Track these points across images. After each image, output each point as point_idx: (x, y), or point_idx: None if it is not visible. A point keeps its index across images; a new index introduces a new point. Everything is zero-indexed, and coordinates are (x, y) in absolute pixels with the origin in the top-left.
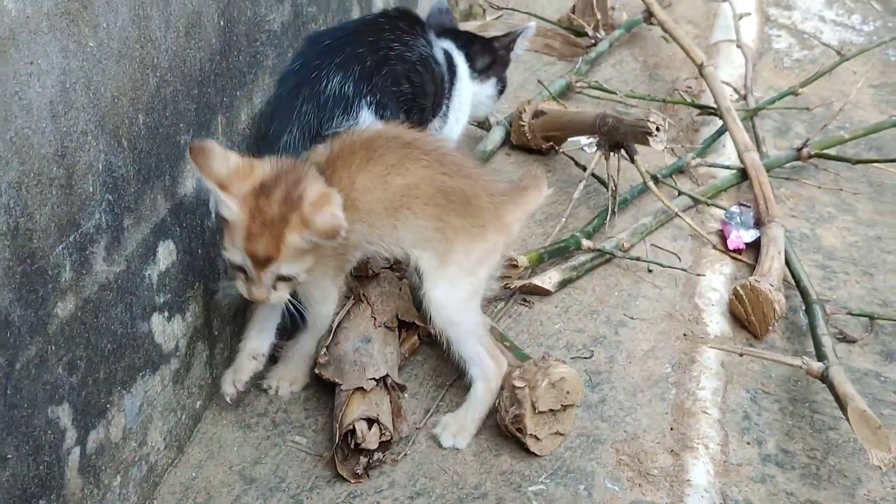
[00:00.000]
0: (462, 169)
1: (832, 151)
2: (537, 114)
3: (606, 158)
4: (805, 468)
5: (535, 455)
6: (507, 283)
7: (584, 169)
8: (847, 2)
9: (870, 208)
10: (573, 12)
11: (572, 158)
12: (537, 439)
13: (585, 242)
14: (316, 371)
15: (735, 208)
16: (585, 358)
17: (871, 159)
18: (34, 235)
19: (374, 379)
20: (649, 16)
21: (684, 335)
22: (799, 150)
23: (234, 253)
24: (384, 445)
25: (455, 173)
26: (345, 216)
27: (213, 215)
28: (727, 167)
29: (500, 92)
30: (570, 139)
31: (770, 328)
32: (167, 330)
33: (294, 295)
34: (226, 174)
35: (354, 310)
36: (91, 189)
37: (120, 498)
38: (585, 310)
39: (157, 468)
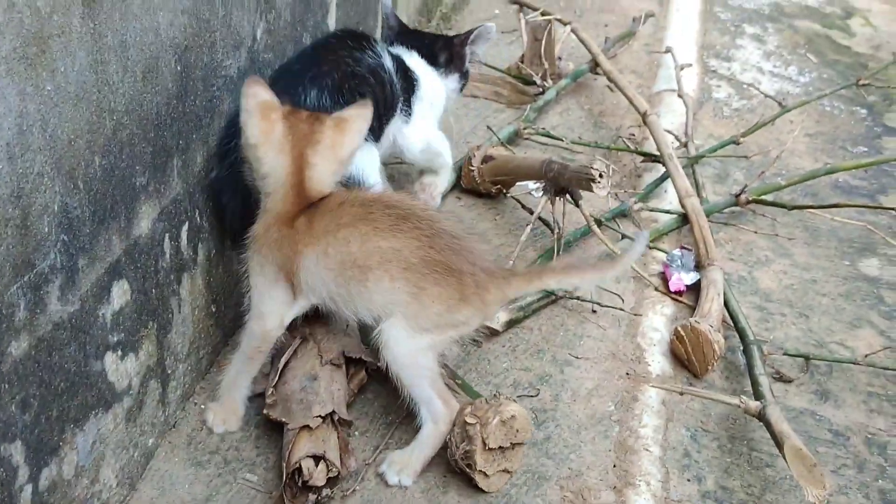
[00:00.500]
0: (452, 243)
1: (769, 197)
2: (486, 159)
3: (552, 203)
4: None
5: (483, 492)
6: None
7: (531, 212)
8: (784, 54)
9: (805, 252)
10: (522, 61)
11: (520, 202)
12: (486, 476)
13: None
14: (264, 412)
15: (676, 251)
16: (531, 396)
17: (806, 205)
18: None
19: (320, 416)
20: (595, 66)
21: (627, 374)
22: (737, 195)
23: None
24: (332, 482)
25: (443, 248)
26: (313, 260)
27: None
28: (668, 212)
29: (463, 86)
30: (517, 183)
31: (710, 368)
32: (120, 368)
33: None
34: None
35: (301, 349)
36: (46, 230)
37: None
38: (532, 349)
39: None
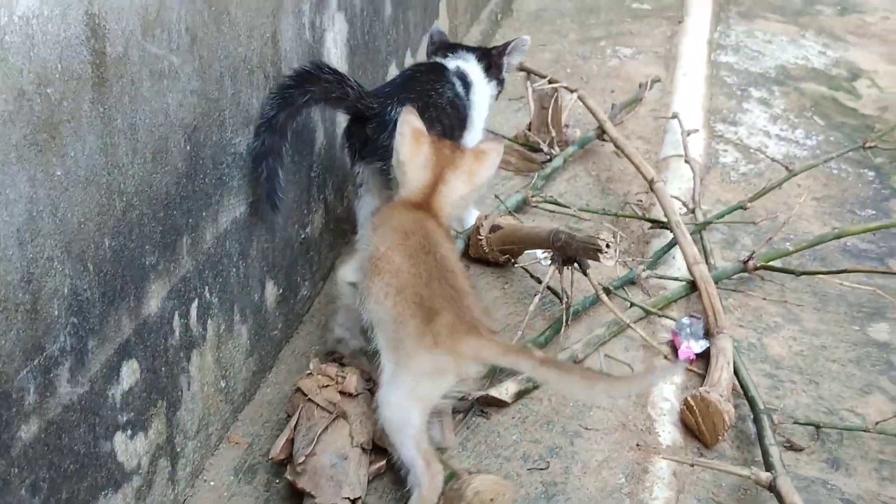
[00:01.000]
0: (449, 292)
1: (777, 263)
2: (494, 228)
3: (560, 272)
4: None
5: None
6: (464, 395)
7: (540, 282)
8: (791, 117)
9: (815, 318)
10: (529, 129)
11: (528, 271)
12: None
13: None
14: (288, 477)
15: (685, 319)
16: (542, 469)
17: (815, 271)
18: None
19: (348, 499)
20: (602, 132)
21: (637, 445)
22: (745, 262)
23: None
24: None
25: (438, 292)
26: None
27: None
28: (677, 279)
29: (498, 93)
30: (526, 251)
31: (720, 438)
32: (130, 448)
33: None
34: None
35: (333, 425)
36: (56, 313)
37: None
38: (541, 420)
39: None
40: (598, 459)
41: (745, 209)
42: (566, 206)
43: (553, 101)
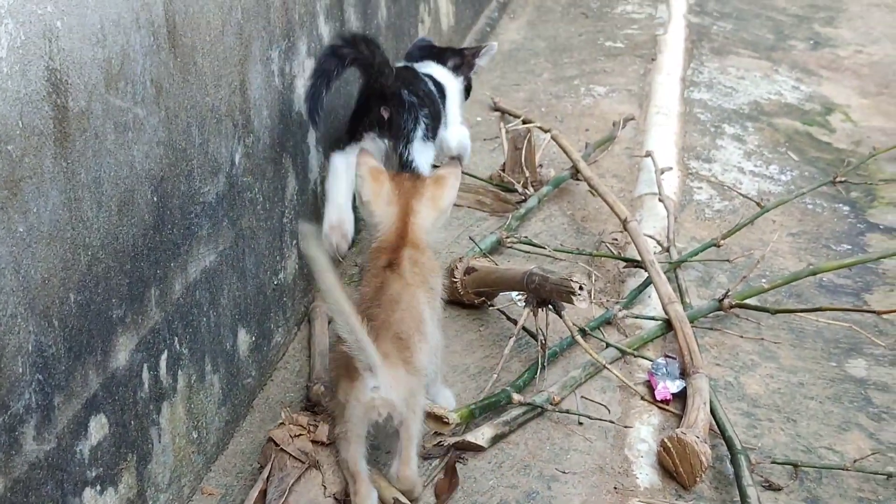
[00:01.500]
0: (384, 320)
1: (753, 301)
2: (469, 270)
3: (535, 314)
4: None
5: None
6: (440, 441)
7: (516, 323)
8: (765, 153)
9: (791, 355)
10: (503, 170)
11: (504, 313)
12: None
13: (516, 397)
14: None
15: (661, 360)
16: None
17: (790, 309)
18: None
19: None
20: (576, 172)
21: (615, 488)
22: (721, 300)
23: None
24: None
25: (376, 315)
26: None
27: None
28: (653, 318)
29: (467, 91)
30: (501, 293)
31: (698, 479)
32: (99, 503)
33: None
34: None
35: (306, 475)
36: (20, 370)
37: None
38: (518, 465)
39: None
40: None
41: (719, 246)
42: (541, 247)
43: (526, 141)
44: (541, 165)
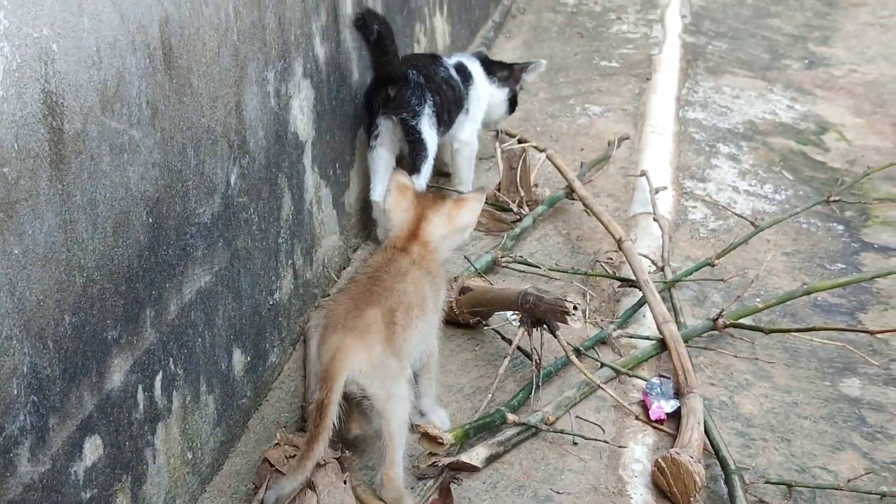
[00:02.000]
0: (356, 310)
1: (747, 320)
2: (464, 290)
3: (529, 334)
4: None
5: None
6: (434, 461)
7: (510, 343)
8: (759, 172)
9: (786, 374)
10: (498, 189)
11: (499, 333)
12: None
13: (511, 416)
14: None
15: (655, 379)
16: None
17: (784, 329)
18: None
19: None
20: (571, 191)
21: None
22: (715, 320)
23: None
24: None
25: (359, 295)
26: None
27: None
28: (647, 338)
29: (512, 103)
30: (496, 312)
31: (692, 499)
32: None
33: None
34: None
35: (300, 496)
36: (15, 392)
37: None
38: (513, 485)
39: None
40: None
41: (713, 266)
42: (536, 266)
43: (521, 160)
44: (536, 185)
